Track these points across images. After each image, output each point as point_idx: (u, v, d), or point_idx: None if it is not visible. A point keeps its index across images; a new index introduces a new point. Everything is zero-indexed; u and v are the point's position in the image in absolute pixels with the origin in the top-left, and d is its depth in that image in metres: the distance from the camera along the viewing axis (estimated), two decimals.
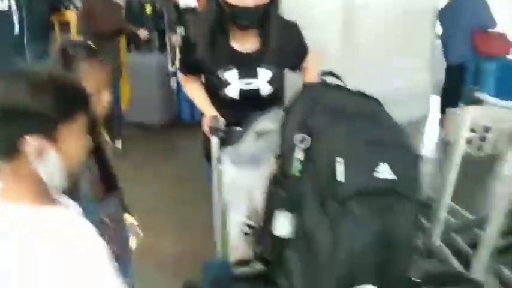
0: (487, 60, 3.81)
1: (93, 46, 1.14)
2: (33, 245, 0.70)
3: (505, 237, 1.71)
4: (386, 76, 2.27)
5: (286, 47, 1.56)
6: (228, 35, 1.52)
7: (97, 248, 0.75)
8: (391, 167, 0.99)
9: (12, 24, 2.58)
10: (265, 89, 1.56)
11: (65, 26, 3.41)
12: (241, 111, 1.47)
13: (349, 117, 1.07)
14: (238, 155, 1.34)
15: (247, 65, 1.52)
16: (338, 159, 0.97)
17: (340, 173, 0.96)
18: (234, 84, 1.53)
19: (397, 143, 1.05)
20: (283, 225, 1.08)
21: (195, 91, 1.67)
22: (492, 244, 1.65)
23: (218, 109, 1.59)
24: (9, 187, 0.76)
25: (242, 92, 1.54)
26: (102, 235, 0.78)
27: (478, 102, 2.10)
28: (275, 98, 1.59)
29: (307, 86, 1.23)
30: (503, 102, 1.68)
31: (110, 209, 1.18)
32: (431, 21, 2.80)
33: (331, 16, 2.17)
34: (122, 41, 4.05)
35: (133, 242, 1.36)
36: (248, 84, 1.53)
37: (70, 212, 0.82)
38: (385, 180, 0.98)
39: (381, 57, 2.28)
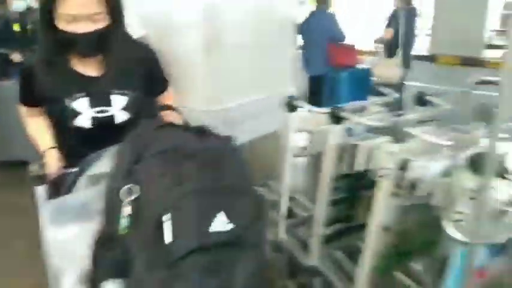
0: (340, 70, 4.11)
1: None
2: None
3: (333, 224, 1.87)
4: (248, 88, 2.25)
5: (137, 69, 1.43)
6: (68, 59, 1.36)
7: None
8: (228, 216, 0.89)
9: None
10: (121, 117, 1.41)
11: None
12: (94, 142, 1.26)
13: (181, 161, 0.94)
14: (63, 210, 1.11)
15: (98, 92, 1.38)
16: (165, 216, 0.84)
17: (168, 233, 0.83)
18: (85, 113, 1.37)
19: (236, 187, 0.94)
20: None
21: (35, 125, 1.48)
22: (320, 232, 1.81)
23: (65, 144, 1.41)
24: None
25: (95, 120, 1.38)
26: None
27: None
28: (133, 126, 1.40)
29: (139, 126, 1.07)
30: (316, 109, 1.88)
31: None
32: (292, 34, 2.89)
33: (191, 27, 2.06)
34: None
35: None
36: (101, 112, 1.38)
37: None
38: (220, 233, 0.87)
39: (243, 69, 2.25)
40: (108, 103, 1.39)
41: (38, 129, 1.48)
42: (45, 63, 1.36)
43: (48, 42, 1.34)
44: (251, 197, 0.96)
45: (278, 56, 2.56)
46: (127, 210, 0.92)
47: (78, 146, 1.36)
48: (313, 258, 1.84)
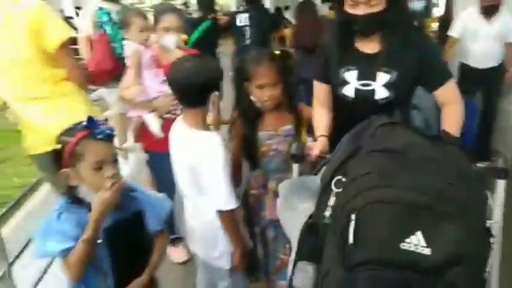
0: None
1: None
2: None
3: None
4: None
5: (410, 52, 1.49)
6: (352, 37, 1.55)
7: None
8: (426, 238, 0.75)
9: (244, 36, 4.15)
10: (381, 94, 1.51)
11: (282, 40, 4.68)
12: (355, 114, 1.32)
13: (394, 165, 0.86)
14: (299, 187, 1.22)
15: (367, 67, 1.53)
16: (352, 215, 0.80)
17: (350, 235, 0.79)
18: (352, 84, 1.55)
19: (448, 209, 0.78)
20: (303, 278, 0.95)
21: (319, 115, 1.66)
22: None
23: (334, 111, 1.66)
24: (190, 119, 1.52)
25: (358, 92, 1.54)
26: None
27: None
28: (391, 106, 1.53)
29: (369, 121, 1.03)
30: None
31: None
32: None
33: None
34: None
35: None
36: (364, 85, 1.53)
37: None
38: (413, 254, 0.75)
39: None
40: (373, 78, 1.51)
41: (319, 118, 1.65)
42: (335, 39, 1.58)
43: (339, 23, 1.56)
44: (467, 227, 0.77)
45: None
46: (332, 200, 0.93)
47: (341, 117, 1.59)
48: None
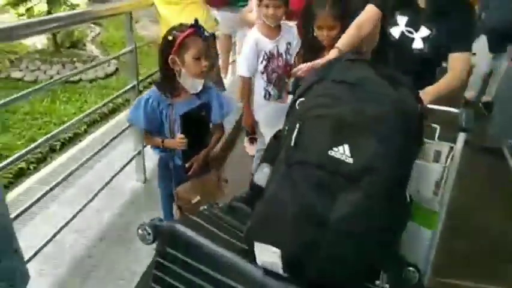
0: None
1: None
2: None
3: None
4: None
5: (454, 15, 1.69)
6: None
7: None
8: (351, 151, 0.94)
9: None
10: (418, 44, 1.77)
11: None
12: (393, 54, 1.85)
13: (343, 92, 1.03)
14: None
15: (415, 18, 1.77)
16: (297, 124, 0.99)
17: (293, 139, 0.99)
18: (400, 26, 1.80)
19: (374, 129, 0.96)
20: (262, 176, 1.18)
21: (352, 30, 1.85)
22: None
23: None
24: None
25: (402, 35, 1.80)
26: None
27: None
28: (425, 62, 1.79)
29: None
30: None
31: None
32: None
33: None
34: None
35: None
36: (409, 32, 1.79)
37: None
38: (338, 161, 0.94)
39: None
40: (417, 29, 1.76)
41: (349, 34, 1.83)
42: None
43: None
44: (386, 146, 0.94)
45: None
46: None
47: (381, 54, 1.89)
48: None
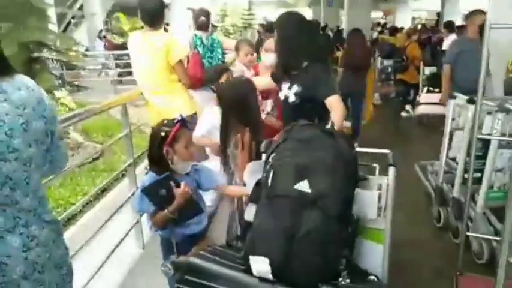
0: None
1: None
2: None
3: None
4: None
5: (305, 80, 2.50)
6: None
7: None
8: (310, 183, 1.41)
9: None
10: (292, 98, 2.52)
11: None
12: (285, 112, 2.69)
13: (300, 148, 1.52)
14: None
15: (292, 82, 2.59)
16: (273, 170, 1.48)
17: (270, 181, 1.46)
18: (284, 91, 2.63)
19: (321, 168, 1.44)
20: (250, 212, 1.61)
21: None
22: None
23: None
24: None
25: (285, 96, 2.60)
26: None
27: None
28: (300, 107, 2.47)
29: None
30: None
31: None
32: None
33: None
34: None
35: None
36: (288, 90, 2.57)
37: None
38: (300, 192, 1.40)
39: None
40: (290, 87, 2.57)
41: None
42: None
43: None
44: (333, 181, 1.42)
45: None
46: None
47: None
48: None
